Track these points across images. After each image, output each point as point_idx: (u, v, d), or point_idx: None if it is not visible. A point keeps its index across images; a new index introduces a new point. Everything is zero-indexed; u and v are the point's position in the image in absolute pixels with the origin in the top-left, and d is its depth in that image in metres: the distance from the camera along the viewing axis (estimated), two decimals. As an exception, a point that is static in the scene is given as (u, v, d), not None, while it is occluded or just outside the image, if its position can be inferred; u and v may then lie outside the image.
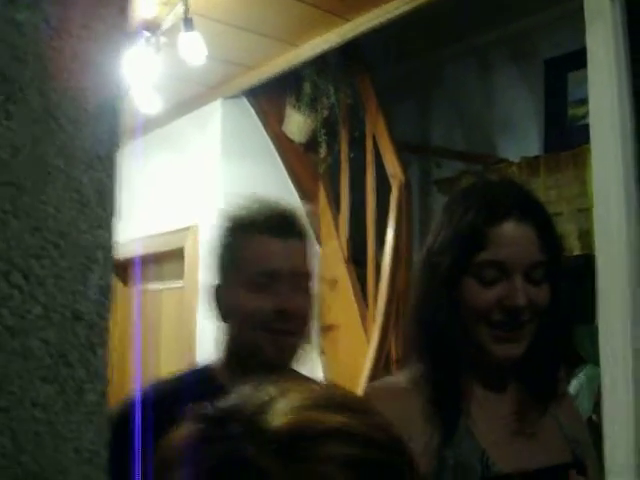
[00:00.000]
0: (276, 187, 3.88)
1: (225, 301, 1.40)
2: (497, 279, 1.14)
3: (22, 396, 0.42)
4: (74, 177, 0.45)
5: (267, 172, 3.88)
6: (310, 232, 1.48)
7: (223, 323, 1.41)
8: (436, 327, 1.18)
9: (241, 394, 0.51)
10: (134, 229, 4.37)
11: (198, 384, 1.32)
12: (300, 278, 1.39)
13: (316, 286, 1.44)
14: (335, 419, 0.47)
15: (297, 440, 0.46)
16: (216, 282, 1.43)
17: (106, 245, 0.46)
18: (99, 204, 0.46)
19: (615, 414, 1.87)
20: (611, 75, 2.05)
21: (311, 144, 3.86)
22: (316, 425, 0.46)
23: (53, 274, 0.45)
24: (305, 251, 1.43)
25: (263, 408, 0.48)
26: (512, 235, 1.15)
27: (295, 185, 3.91)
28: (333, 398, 0.51)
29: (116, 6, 0.47)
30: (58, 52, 0.42)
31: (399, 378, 1.25)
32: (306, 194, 3.89)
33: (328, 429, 0.46)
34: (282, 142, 3.89)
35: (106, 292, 0.47)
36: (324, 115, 3.67)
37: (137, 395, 1.34)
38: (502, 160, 4.10)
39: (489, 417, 1.18)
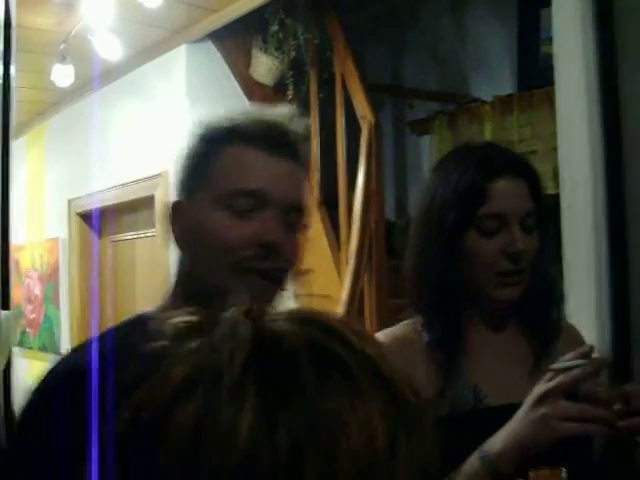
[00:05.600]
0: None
1: (186, 223, 1.11)
2: (497, 230, 1.28)
3: None
4: None
5: (236, 116, 3.81)
6: (307, 155, 1.19)
7: (180, 252, 1.13)
8: (439, 278, 1.31)
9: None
10: (105, 179, 4.32)
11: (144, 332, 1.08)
12: (291, 210, 1.10)
13: (307, 227, 1.15)
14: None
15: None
16: (177, 198, 1.14)
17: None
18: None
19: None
20: (576, 11, 2.00)
21: (280, 87, 3.79)
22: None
23: None
24: (300, 177, 1.14)
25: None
26: (508, 189, 1.29)
27: (265, 129, 3.84)
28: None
29: None
30: None
31: (400, 328, 1.38)
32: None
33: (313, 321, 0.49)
34: (250, 86, 3.82)
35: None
36: (292, 56, 3.59)
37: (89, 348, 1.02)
38: (475, 99, 4.06)
39: (486, 356, 1.32)
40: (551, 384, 1.09)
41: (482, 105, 3.91)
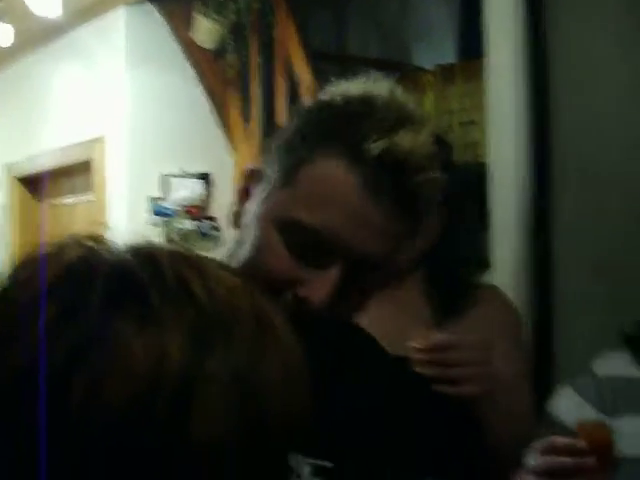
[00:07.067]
0: (186, 96, 3.79)
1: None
2: None
3: None
4: None
5: (176, 80, 3.78)
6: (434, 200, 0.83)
7: None
8: None
9: None
10: (42, 142, 4.25)
11: None
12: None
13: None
14: None
15: None
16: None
17: None
18: None
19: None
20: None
21: (221, 51, 3.75)
22: None
23: None
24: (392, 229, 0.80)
25: None
26: None
27: (206, 93, 3.82)
28: None
29: None
30: None
31: None
32: (217, 102, 3.80)
33: None
34: (191, 49, 3.77)
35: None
36: (232, 20, 3.55)
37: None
38: (418, 68, 4.07)
39: (383, 310, 1.31)
40: None
41: (424, 74, 3.93)
